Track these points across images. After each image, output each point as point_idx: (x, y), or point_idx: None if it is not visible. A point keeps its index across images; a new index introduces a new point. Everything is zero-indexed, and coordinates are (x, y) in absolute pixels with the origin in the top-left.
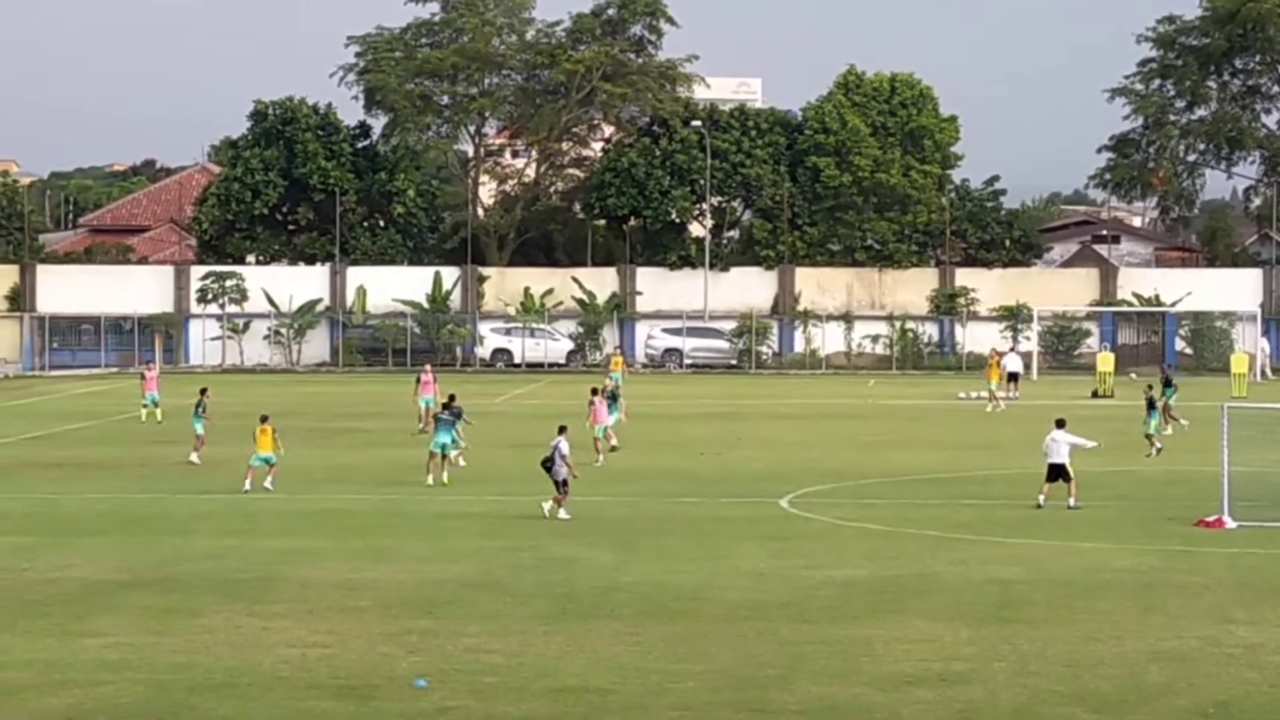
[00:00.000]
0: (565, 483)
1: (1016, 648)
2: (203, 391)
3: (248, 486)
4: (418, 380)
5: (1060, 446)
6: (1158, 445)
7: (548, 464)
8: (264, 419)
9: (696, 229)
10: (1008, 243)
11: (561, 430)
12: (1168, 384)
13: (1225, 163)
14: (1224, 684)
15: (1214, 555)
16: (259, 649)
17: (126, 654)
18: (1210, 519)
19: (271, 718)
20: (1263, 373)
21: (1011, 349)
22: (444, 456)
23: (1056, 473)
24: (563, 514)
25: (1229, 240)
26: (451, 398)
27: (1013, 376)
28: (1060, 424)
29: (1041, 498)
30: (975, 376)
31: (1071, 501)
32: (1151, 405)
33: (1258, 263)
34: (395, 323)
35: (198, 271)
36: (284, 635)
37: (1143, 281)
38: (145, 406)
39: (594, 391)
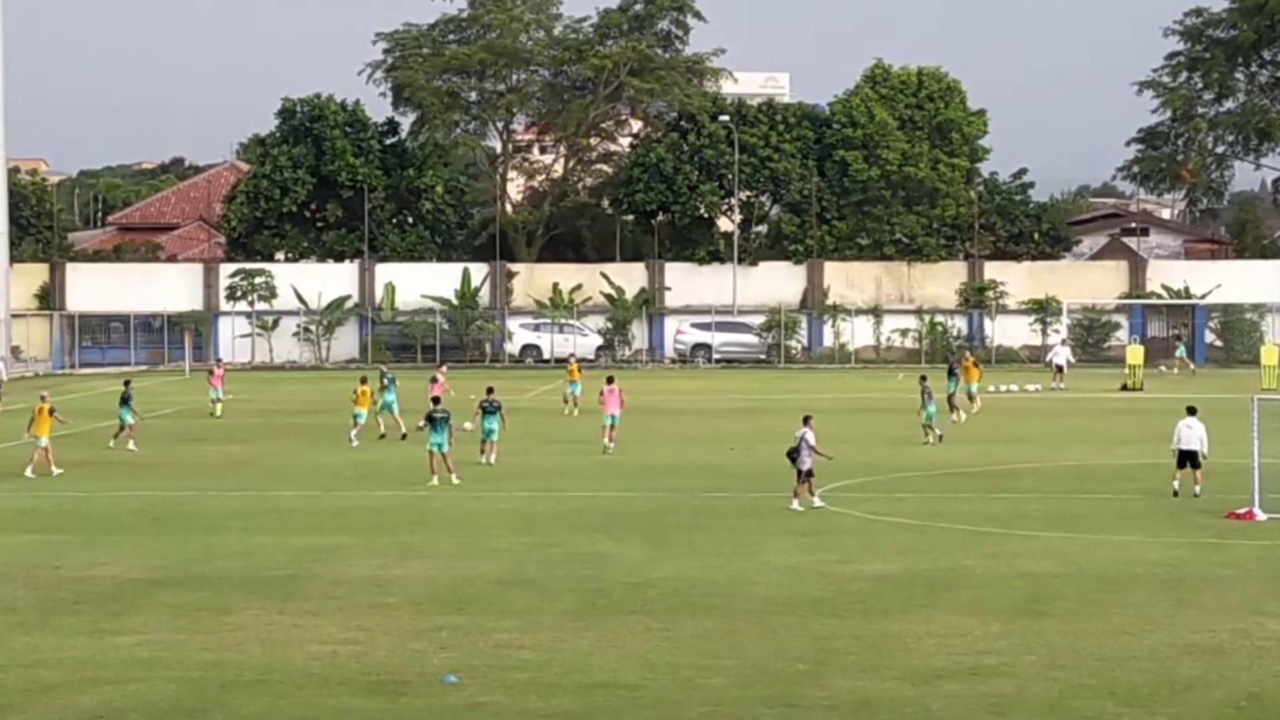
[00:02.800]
0: (810, 472)
1: (1047, 641)
2: (126, 383)
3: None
4: (433, 380)
5: (1193, 434)
6: (938, 433)
7: (793, 454)
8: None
9: (725, 224)
10: (1036, 236)
11: (806, 420)
12: (950, 373)
13: (1254, 154)
14: (1256, 676)
15: (1244, 547)
16: (289, 646)
17: (157, 651)
18: (1241, 511)
19: (302, 714)
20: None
21: (1062, 341)
22: (443, 455)
23: (1187, 459)
24: (795, 505)
25: (1258, 232)
26: (490, 390)
27: (1059, 369)
28: (1192, 411)
29: (1176, 484)
30: (1004, 370)
31: (1197, 489)
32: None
33: None
34: (424, 319)
35: (227, 269)
36: (314, 632)
37: (1172, 274)
38: (215, 402)
39: (609, 380)
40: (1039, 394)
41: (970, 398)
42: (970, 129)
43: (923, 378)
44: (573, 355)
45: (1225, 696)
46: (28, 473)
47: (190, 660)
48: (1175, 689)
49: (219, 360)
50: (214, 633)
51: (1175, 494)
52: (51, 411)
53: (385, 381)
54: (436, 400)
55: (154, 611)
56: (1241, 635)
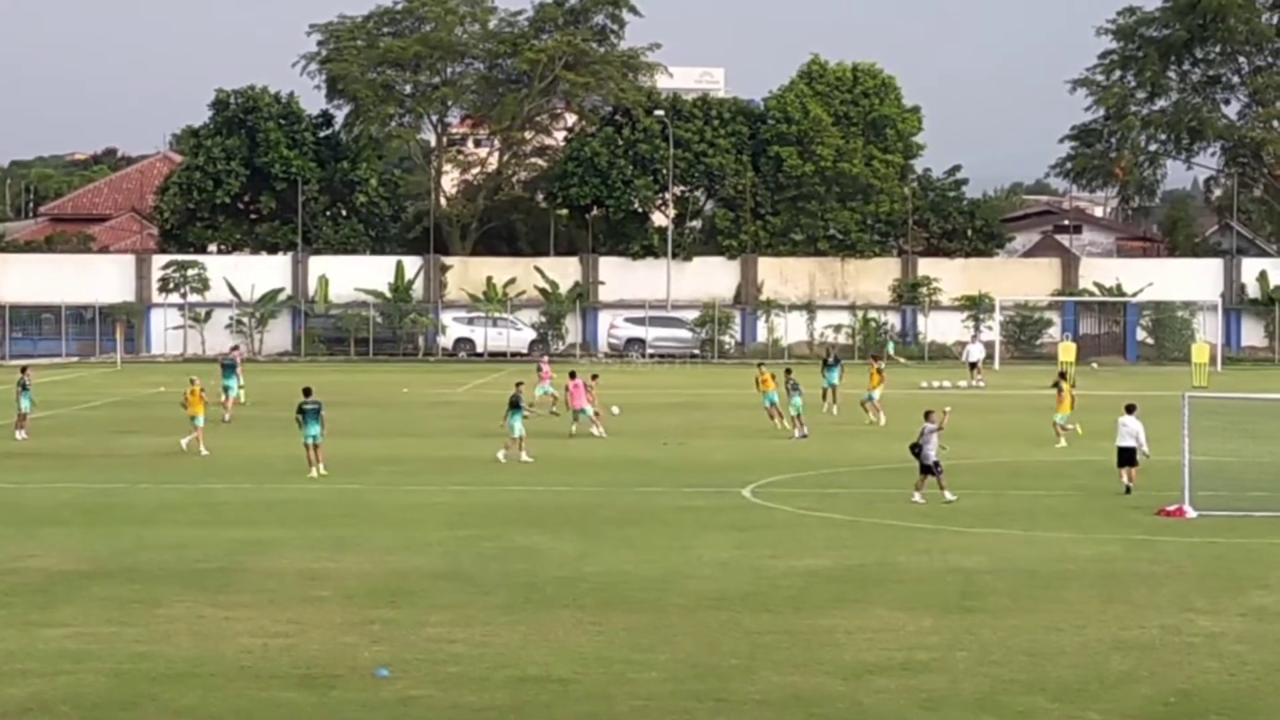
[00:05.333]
0: (937, 464)
1: (979, 637)
2: (23, 370)
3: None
4: (538, 370)
5: (1128, 430)
6: (804, 430)
7: (916, 448)
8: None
9: (659, 218)
10: (970, 232)
11: (928, 415)
12: (827, 365)
13: (1186, 153)
14: (1185, 673)
15: (1175, 544)
16: (221, 639)
17: (88, 644)
18: (1171, 508)
19: (233, 707)
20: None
21: (974, 338)
22: (316, 447)
23: (1128, 456)
24: (918, 498)
25: (1190, 230)
26: (307, 391)
27: (973, 365)
28: (1130, 409)
29: (1126, 481)
30: (937, 366)
31: (1131, 485)
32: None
33: (1218, 253)
34: (358, 312)
35: (159, 261)
36: (246, 625)
37: (1104, 271)
38: (239, 389)
39: (572, 375)
40: (967, 390)
41: (865, 405)
42: (905, 125)
43: (788, 370)
44: (545, 358)
45: (1154, 692)
46: None
47: (121, 652)
48: (1105, 684)
49: (236, 348)
50: (145, 625)
51: (1127, 490)
52: None
53: (224, 366)
54: (518, 386)
55: (84, 604)
56: (1171, 631)
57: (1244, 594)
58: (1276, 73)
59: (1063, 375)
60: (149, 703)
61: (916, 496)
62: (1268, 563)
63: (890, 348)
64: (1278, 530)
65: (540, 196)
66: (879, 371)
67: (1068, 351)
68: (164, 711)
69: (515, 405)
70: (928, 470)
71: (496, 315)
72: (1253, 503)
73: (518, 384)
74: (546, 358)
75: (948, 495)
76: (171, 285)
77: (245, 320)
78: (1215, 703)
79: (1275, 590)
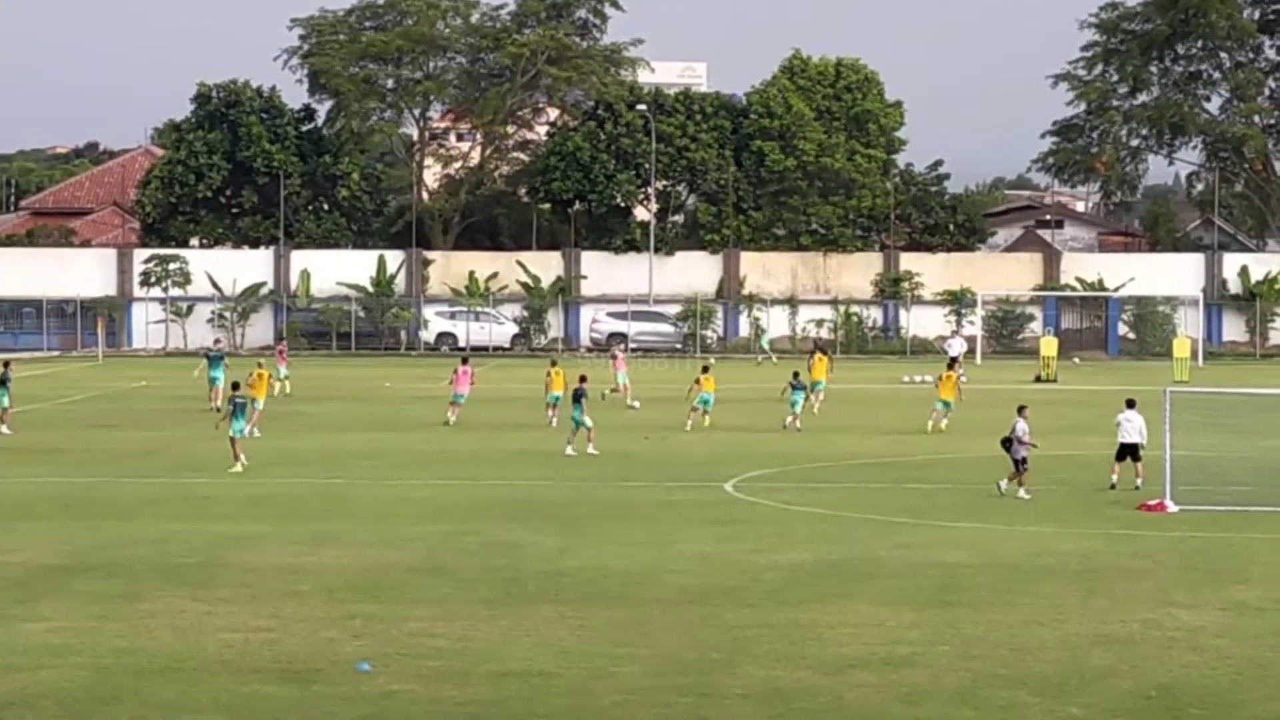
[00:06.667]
0: (1024, 461)
1: (960, 631)
2: (5, 364)
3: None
4: (613, 358)
5: (1133, 426)
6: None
7: (1007, 443)
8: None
9: (641, 213)
10: (951, 227)
11: (1020, 410)
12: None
13: (1167, 148)
14: (1165, 667)
15: (1156, 539)
16: (202, 633)
17: (69, 639)
18: (1152, 503)
19: (215, 702)
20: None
21: (956, 333)
22: (235, 440)
23: (1127, 452)
24: (1023, 493)
25: (1171, 225)
26: (582, 379)
27: (953, 360)
28: (1130, 404)
29: (1114, 477)
30: (919, 361)
31: (1139, 482)
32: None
33: (1200, 248)
34: (339, 306)
35: (141, 255)
36: (227, 620)
37: (1086, 266)
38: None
39: (553, 363)
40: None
41: (814, 395)
42: (887, 120)
43: (795, 374)
44: (554, 362)
45: (1135, 686)
46: None
47: (102, 647)
48: (1086, 679)
49: (218, 341)
50: (126, 620)
51: (1113, 486)
52: None
53: (211, 358)
54: (582, 380)
55: (66, 598)
56: (1152, 626)
57: (1224, 588)
58: (1258, 68)
59: (950, 365)
60: (130, 697)
61: (1003, 484)
62: (1248, 557)
63: (764, 341)
64: (1258, 525)
65: (522, 191)
66: (822, 359)
67: (1049, 346)
68: (145, 706)
69: (579, 398)
70: (1023, 465)
71: (479, 309)
72: (1233, 497)
73: (581, 378)
74: (622, 346)
75: (1022, 493)
76: (153, 279)
77: (227, 314)
78: (1196, 697)
79: (1256, 585)
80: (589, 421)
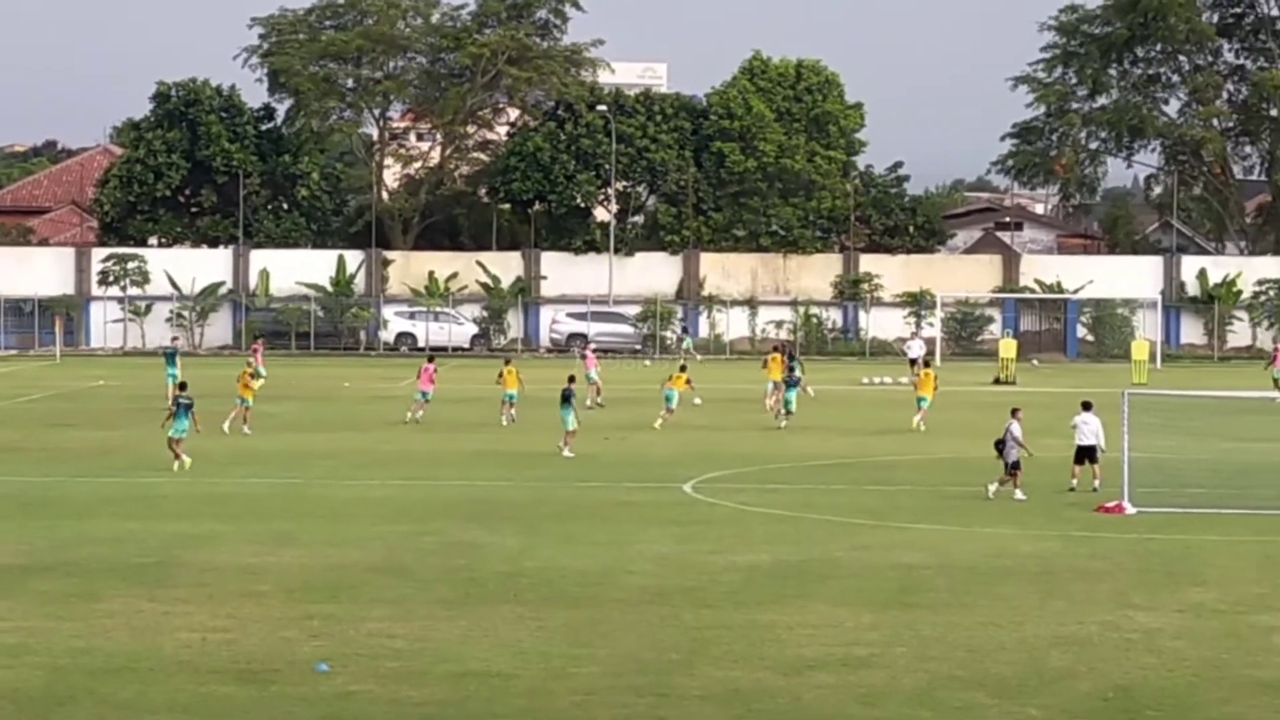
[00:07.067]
0: (1018, 464)
1: (918, 633)
2: None
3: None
4: (583, 357)
5: (1089, 428)
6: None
7: (1000, 445)
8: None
9: (601, 214)
10: (911, 229)
11: (1014, 413)
12: (793, 359)
13: (1126, 151)
14: (1123, 669)
15: (1114, 540)
16: (159, 634)
17: (25, 638)
18: (1110, 505)
19: (172, 702)
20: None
21: (915, 334)
22: (178, 439)
23: (1085, 454)
24: (1019, 495)
25: (1130, 228)
26: (571, 380)
27: (912, 362)
28: (1087, 406)
29: (1074, 480)
30: (879, 362)
31: (1097, 484)
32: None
33: (1158, 251)
34: (299, 306)
35: (99, 254)
36: (185, 620)
37: (1045, 268)
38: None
39: (507, 361)
40: (908, 387)
41: (769, 395)
42: (847, 122)
43: (790, 368)
44: (507, 361)
45: (1093, 688)
46: None
47: (59, 647)
48: (1044, 680)
49: (176, 339)
50: (83, 620)
51: (1071, 489)
52: None
53: (167, 354)
54: (571, 380)
55: (22, 598)
56: (1110, 627)
57: (1181, 590)
58: (1216, 71)
59: (926, 364)
60: (87, 697)
61: (992, 488)
62: (1205, 559)
63: (687, 343)
64: (1215, 527)
65: (482, 191)
66: (777, 359)
67: (1008, 348)
68: (102, 706)
69: (567, 399)
70: (1017, 467)
71: (438, 310)
72: (1191, 499)
73: (570, 378)
74: (592, 346)
75: (1018, 494)
76: (111, 278)
77: (186, 313)
78: (1153, 698)
79: (1212, 587)
80: (571, 424)
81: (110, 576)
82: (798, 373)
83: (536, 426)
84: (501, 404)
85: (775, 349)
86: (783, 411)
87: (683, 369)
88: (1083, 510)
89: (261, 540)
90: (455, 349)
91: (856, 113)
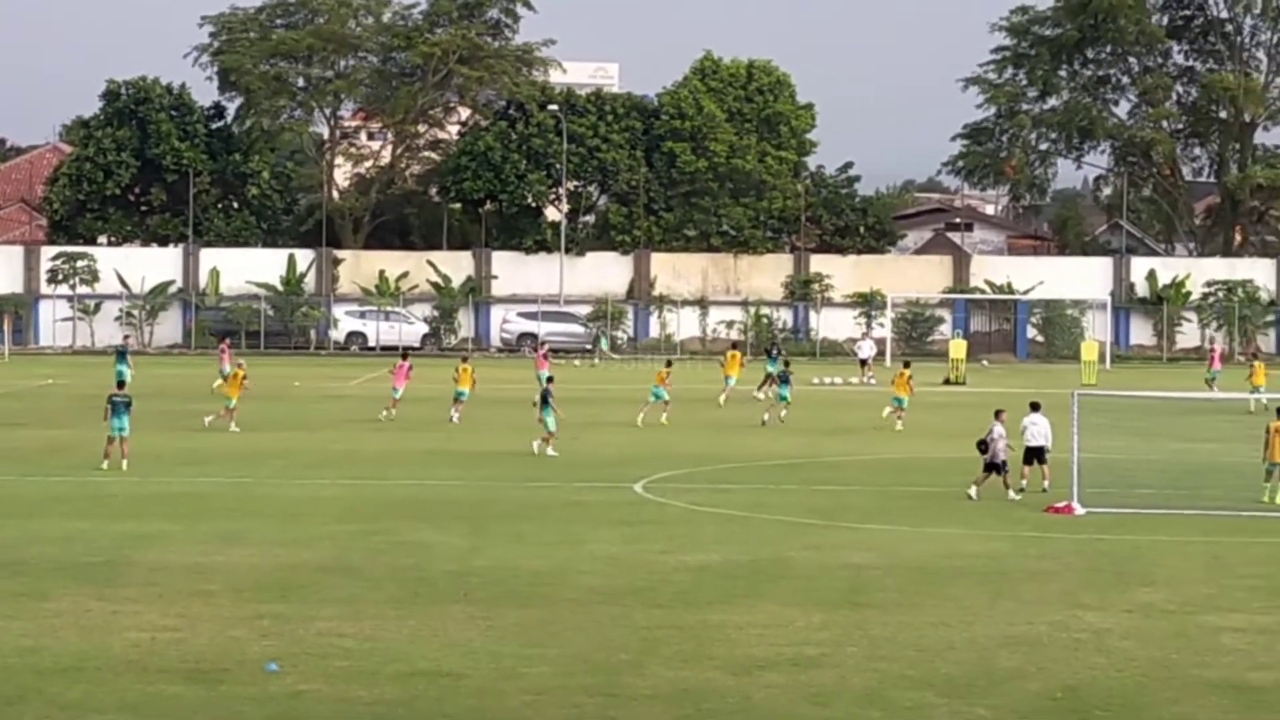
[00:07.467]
0: (1004, 464)
1: (868, 633)
2: None
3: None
4: (544, 356)
5: (1039, 429)
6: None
7: (983, 445)
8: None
9: (552, 213)
10: (862, 229)
11: (997, 414)
12: (778, 355)
13: (1076, 152)
14: (1072, 669)
15: (1063, 541)
16: (108, 633)
17: None
18: (1060, 505)
19: (120, 702)
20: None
21: (866, 335)
22: (122, 440)
23: (1034, 455)
24: (1012, 494)
25: (1080, 229)
26: (550, 380)
27: (863, 362)
28: (1036, 407)
29: (1024, 482)
30: (829, 363)
31: (1046, 484)
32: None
33: (1108, 252)
34: (249, 305)
35: (48, 252)
36: (133, 619)
37: (995, 269)
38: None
39: (464, 359)
40: (859, 387)
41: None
42: (798, 122)
43: (786, 362)
44: (465, 359)
45: (1042, 688)
46: None
47: (6, 647)
48: (993, 680)
49: (127, 337)
50: (31, 619)
51: (1021, 490)
52: None
53: (118, 352)
54: (549, 381)
55: None
56: (1059, 627)
57: (1130, 590)
58: (1166, 73)
59: (906, 364)
60: (35, 697)
61: (972, 491)
62: (1154, 559)
63: (604, 344)
64: (1164, 527)
65: (433, 190)
66: (735, 359)
67: (958, 349)
68: (50, 706)
69: (546, 399)
70: (993, 469)
71: (389, 309)
72: (1140, 500)
73: (548, 379)
74: (546, 345)
75: (1011, 494)
76: (60, 277)
77: (135, 312)
78: (1102, 698)
79: (1161, 587)
80: (551, 425)
81: (59, 576)
82: (789, 368)
83: (487, 426)
84: (454, 400)
85: (733, 346)
86: (778, 405)
87: (668, 364)
88: (1032, 511)
89: (211, 540)
90: (406, 348)
91: (807, 113)
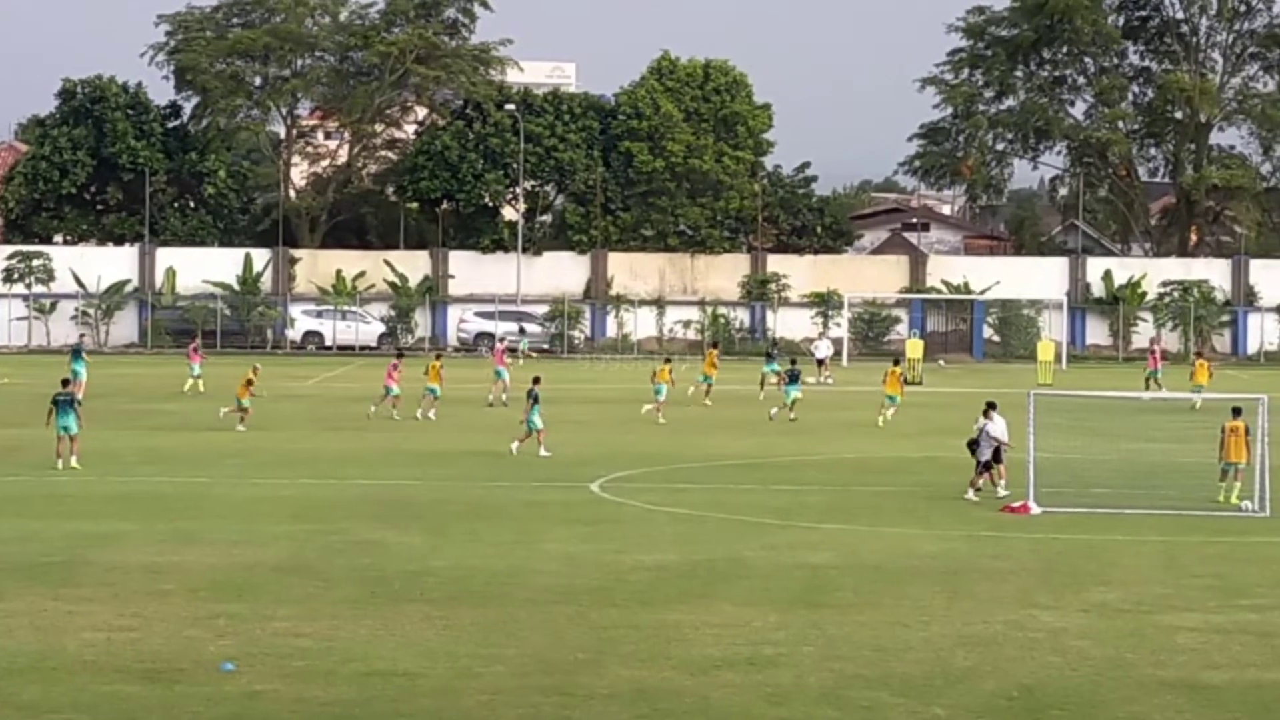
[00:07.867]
0: (989, 463)
1: (824, 632)
2: None
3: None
4: (512, 352)
5: (996, 428)
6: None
7: (973, 445)
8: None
9: (509, 213)
10: (819, 229)
11: (987, 411)
12: (777, 357)
13: (1032, 153)
14: (1028, 668)
15: (1019, 540)
16: (64, 633)
17: None
18: (1016, 505)
19: (76, 702)
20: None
21: (822, 334)
22: (71, 439)
23: (994, 456)
24: (1001, 490)
25: (1036, 229)
26: (536, 380)
27: (820, 362)
28: (992, 406)
29: (981, 483)
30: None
31: (1002, 484)
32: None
33: (1064, 252)
34: (205, 304)
35: (3, 251)
36: (89, 619)
37: (952, 269)
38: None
39: (437, 356)
40: (816, 387)
41: (700, 387)
42: (755, 122)
43: (793, 360)
44: (438, 356)
45: (998, 687)
46: None
47: None
48: (949, 680)
49: (83, 336)
50: None
51: (979, 490)
52: None
53: (74, 352)
54: (536, 381)
55: None
56: (1015, 627)
57: (1086, 590)
58: (1122, 74)
59: (895, 363)
60: None
61: (970, 494)
62: (1109, 559)
63: (523, 344)
64: (1119, 527)
65: (390, 189)
66: (713, 359)
67: (915, 348)
68: (5, 706)
69: (535, 400)
70: (987, 467)
71: (345, 308)
72: (1095, 499)
73: (535, 379)
74: (504, 342)
75: (1000, 490)
76: (16, 276)
77: (91, 312)
78: (1058, 697)
79: (1116, 586)
80: (539, 423)
81: (14, 575)
82: (796, 365)
83: (445, 425)
84: (423, 396)
85: (713, 345)
86: (786, 405)
87: (667, 361)
88: (988, 510)
89: (167, 539)
90: (363, 348)
91: (764, 113)
